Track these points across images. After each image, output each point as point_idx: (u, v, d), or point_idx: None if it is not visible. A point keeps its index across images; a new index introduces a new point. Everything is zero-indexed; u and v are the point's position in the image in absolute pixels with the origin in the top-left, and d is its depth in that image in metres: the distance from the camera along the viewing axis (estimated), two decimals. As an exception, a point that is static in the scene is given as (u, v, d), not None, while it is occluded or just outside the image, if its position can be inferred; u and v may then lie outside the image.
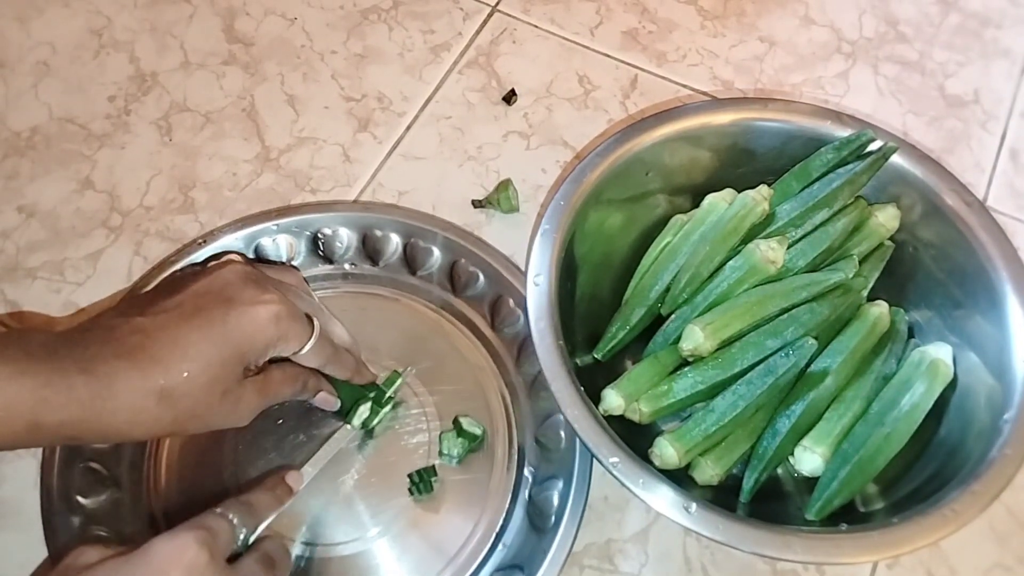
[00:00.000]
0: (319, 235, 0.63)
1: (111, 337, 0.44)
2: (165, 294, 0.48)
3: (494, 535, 0.54)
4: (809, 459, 0.53)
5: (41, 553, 0.51)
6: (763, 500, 0.54)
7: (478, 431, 0.56)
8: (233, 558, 0.44)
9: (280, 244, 0.63)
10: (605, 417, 0.52)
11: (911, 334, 0.59)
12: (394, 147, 0.70)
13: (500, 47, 0.76)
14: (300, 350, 0.50)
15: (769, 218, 0.58)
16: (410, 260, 0.63)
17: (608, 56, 0.76)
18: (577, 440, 0.54)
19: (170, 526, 0.42)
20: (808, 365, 0.54)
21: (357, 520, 0.54)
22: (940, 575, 0.55)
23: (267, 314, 0.47)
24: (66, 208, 0.66)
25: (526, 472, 0.56)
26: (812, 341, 0.53)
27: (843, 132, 0.59)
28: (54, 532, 0.51)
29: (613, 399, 0.54)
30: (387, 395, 0.57)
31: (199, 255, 0.61)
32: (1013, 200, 0.70)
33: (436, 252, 0.63)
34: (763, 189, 0.58)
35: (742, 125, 0.60)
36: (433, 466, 0.55)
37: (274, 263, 0.62)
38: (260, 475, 0.53)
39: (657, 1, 0.79)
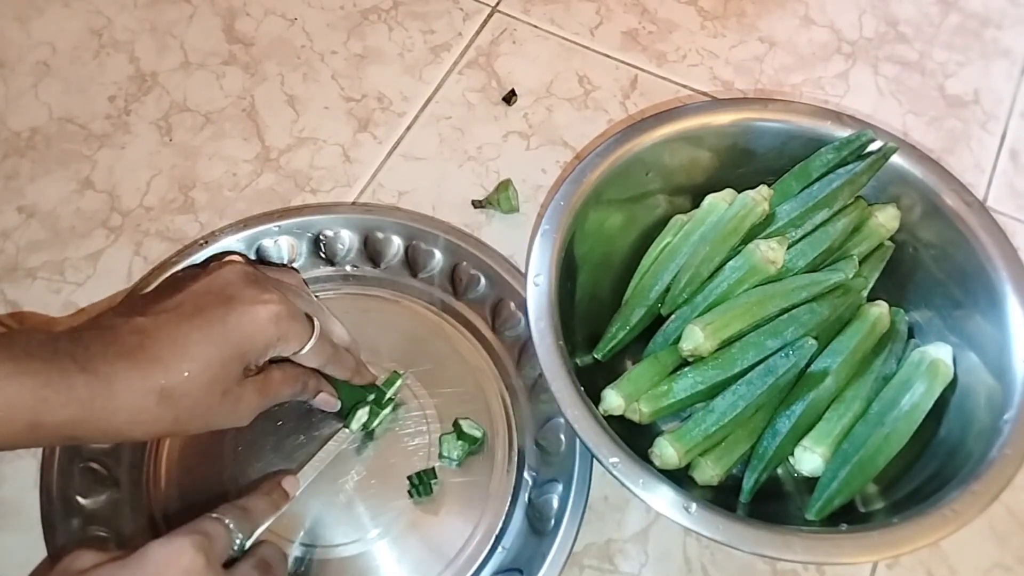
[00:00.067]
0: (321, 237, 0.63)
1: (111, 337, 0.44)
2: (165, 294, 0.48)
3: (493, 537, 0.54)
4: (809, 459, 0.53)
5: (41, 553, 0.51)
6: (763, 500, 0.54)
7: (478, 434, 0.56)
8: (229, 563, 0.44)
9: (282, 245, 0.63)
10: (605, 417, 0.52)
11: (911, 334, 0.59)
12: (394, 147, 0.70)
13: (500, 47, 0.76)
14: (300, 350, 0.50)
15: (769, 218, 0.58)
16: (412, 262, 0.63)
17: (608, 56, 0.76)
18: (577, 443, 0.54)
19: (170, 527, 0.42)
20: (808, 365, 0.54)
21: (357, 522, 0.54)
22: (940, 575, 0.55)
23: (267, 314, 0.47)
24: (66, 208, 0.66)
25: (526, 475, 0.56)
26: (812, 341, 0.53)
27: (843, 132, 0.59)
28: (54, 532, 0.51)
29: (613, 399, 0.54)
30: (387, 396, 0.57)
31: (200, 256, 0.61)
32: (1013, 200, 0.70)
33: (438, 254, 0.63)
34: (763, 189, 0.58)
35: (742, 125, 0.60)
36: (433, 468, 0.55)
37: (274, 264, 0.62)
38: (258, 479, 0.53)
39: (657, 1, 0.79)
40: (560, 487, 0.54)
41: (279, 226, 0.63)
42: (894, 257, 0.60)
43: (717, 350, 0.54)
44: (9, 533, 0.54)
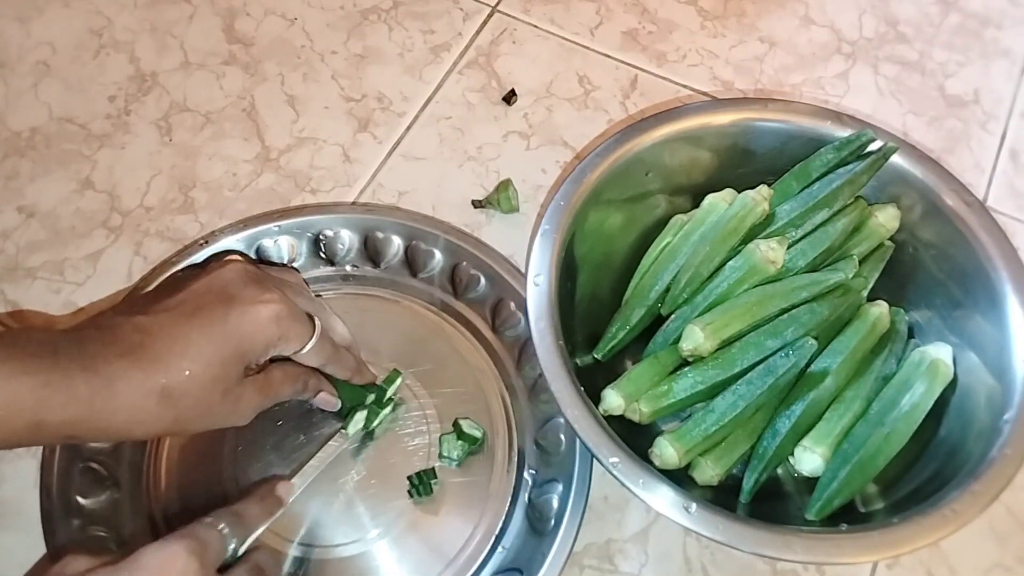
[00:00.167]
0: (321, 236, 0.63)
1: (112, 336, 0.44)
2: (166, 293, 0.48)
3: (493, 537, 0.54)
4: (809, 459, 0.53)
5: (41, 553, 0.51)
6: (763, 500, 0.54)
7: (478, 434, 0.56)
8: (223, 569, 0.44)
9: (282, 245, 0.63)
10: (605, 417, 0.52)
11: (911, 334, 0.59)
12: (394, 147, 0.70)
13: (500, 47, 0.76)
14: (301, 349, 0.50)
15: (769, 218, 0.58)
16: (411, 262, 0.63)
17: (608, 56, 0.76)
18: (577, 443, 0.54)
19: (170, 527, 0.42)
20: (808, 365, 0.54)
21: (357, 522, 0.54)
22: (940, 575, 0.55)
23: (268, 313, 0.47)
24: (66, 208, 0.66)
25: (526, 475, 0.56)
26: (812, 341, 0.53)
27: (843, 132, 0.59)
28: (54, 532, 0.51)
29: (613, 399, 0.54)
30: (387, 395, 0.57)
31: (200, 256, 0.61)
32: (1013, 200, 0.70)
33: (438, 254, 0.63)
34: (763, 189, 0.58)
35: (742, 125, 0.60)
36: (433, 468, 0.55)
37: (274, 264, 0.62)
38: (253, 483, 0.53)
39: (657, 1, 0.79)
40: (560, 487, 0.54)
41: (279, 226, 0.63)
42: (894, 257, 0.60)
43: (717, 350, 0.54)
44: (9, 533, 0.54)
